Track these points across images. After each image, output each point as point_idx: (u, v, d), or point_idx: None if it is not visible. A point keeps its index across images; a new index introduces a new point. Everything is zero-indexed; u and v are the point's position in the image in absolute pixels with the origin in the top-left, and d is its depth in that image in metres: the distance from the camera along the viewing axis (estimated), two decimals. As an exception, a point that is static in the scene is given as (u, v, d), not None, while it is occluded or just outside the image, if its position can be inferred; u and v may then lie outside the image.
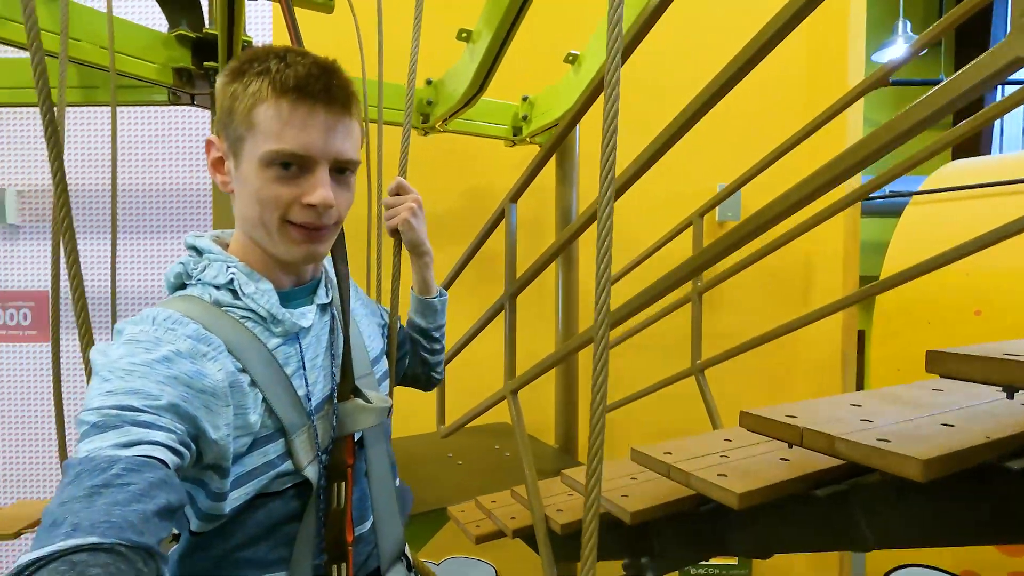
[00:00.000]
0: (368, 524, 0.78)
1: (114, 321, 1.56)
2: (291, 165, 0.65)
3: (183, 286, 0.70)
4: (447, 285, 1.94)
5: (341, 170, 0.69)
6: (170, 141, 2.97)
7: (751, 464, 0.97)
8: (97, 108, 2.84)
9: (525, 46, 2.24)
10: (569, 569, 2.13)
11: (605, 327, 0.56)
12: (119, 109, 2.06)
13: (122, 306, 3.00)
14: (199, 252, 0.71)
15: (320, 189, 0.65)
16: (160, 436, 0.51)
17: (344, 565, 0.71)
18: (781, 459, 0.98)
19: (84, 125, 2.88)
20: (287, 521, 0.67)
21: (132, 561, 0.41)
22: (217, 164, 0.71)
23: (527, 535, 1.58)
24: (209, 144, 0.71)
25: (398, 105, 2.06)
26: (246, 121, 0.65)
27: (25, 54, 1.76)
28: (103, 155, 2.93)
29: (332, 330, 0.77)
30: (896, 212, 2.73)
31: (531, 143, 2.52)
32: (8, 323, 3.11)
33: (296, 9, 2.85)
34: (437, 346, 1.07)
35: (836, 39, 2.82)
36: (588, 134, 2.67)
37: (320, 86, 0.64)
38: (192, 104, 1.92)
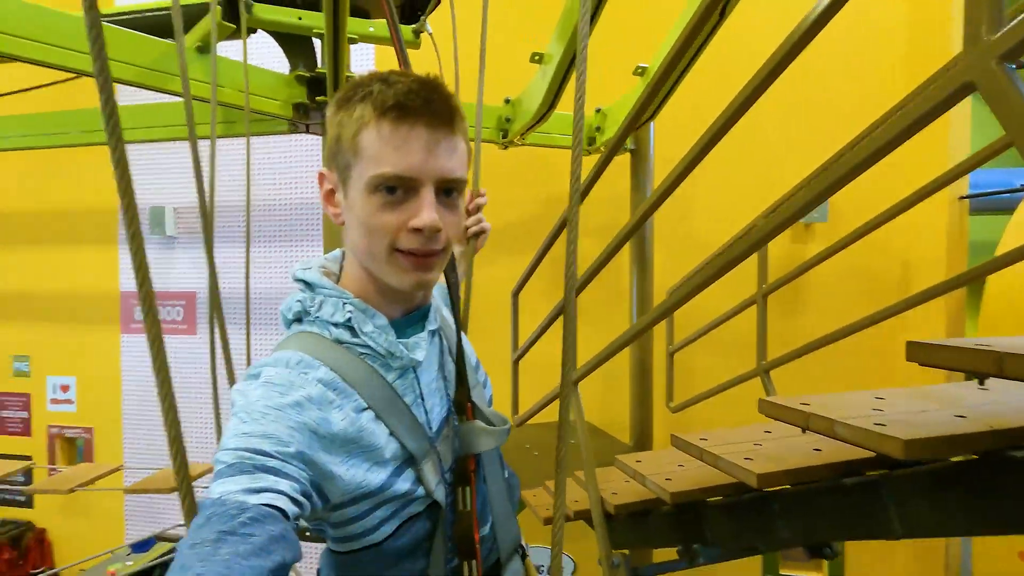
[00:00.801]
0: (488, 526, 0.80)
1: (249, 317, 1.89)
2: (396, 189, 0.63)
3: (300, 321, 0.71)
4: (518, 289, 2.11)
5: (448, 191, 0.66)
6: (291, 163, 3.43)
7: (781, 452, 1.02)
8: (234, 138, 3.35)
9: (598, 60, 2.36)
10: (635, 556, 2.20)
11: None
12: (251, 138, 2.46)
13: (255, 304, 3.50)
14: (309, 286, 0.71)
15: (425, 212, 0.63)
16: (285, 485, 0.54)
17: (474, 562, 0.74)
18: (814, 449, 1.01)
19: (224, 152, 3.41)
20: (424, 539, 0.70)
21: None
22: (329, 196, 0.70)
23: (587, 517, 1.70)
24: (321, 177, 0.71)
25: (484, 123, 2.27)
26: (352, 148, 0.64)
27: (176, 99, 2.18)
28: (239, 176, 3.44)
29: (441, 351, 0.78)
30: (1009, 209, 2.51)
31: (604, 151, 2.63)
32: (165, 318, 3.73)
33: (382, 48, 3.17)
34: None
35: (939, 13, 2.62)
36: (663, 139, 2.73)
37: (420, 101, 0.62)
38: (308, 132, 2.26)
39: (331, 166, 0.69)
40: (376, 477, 0.65)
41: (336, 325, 0.68)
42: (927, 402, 0.91)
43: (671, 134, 2.47)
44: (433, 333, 0.77)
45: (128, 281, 3.77)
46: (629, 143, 2.75)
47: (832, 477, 1.02)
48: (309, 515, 0.60)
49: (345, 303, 0.68)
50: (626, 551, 1.80)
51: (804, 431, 0.91)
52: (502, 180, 2.82)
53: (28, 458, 3.50)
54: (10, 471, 2.91)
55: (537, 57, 2.06)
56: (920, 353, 0.69)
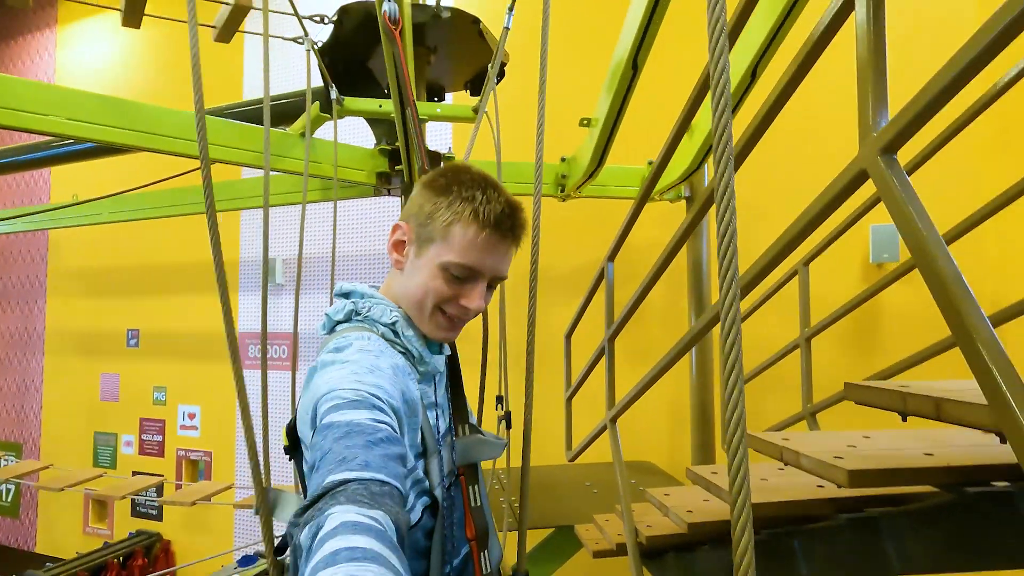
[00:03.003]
0: (467, 548, 0.84)
1: None
2: (462, 274, 0.79)
3: (348, 321, 0.82)
4: (570, 331, 2.27)
5: (491, 284, 0.83)
6: (373, 221, 3.88)
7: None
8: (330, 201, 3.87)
9: (651, 115, 2.54)
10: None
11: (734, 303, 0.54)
12: (339, 202, 2.88)
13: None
14: (360, 295, 0.84)
15: (478, 299, 0.80)
16: (395, 427, 0.62)
17: (486, 552, 0.82)
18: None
19: (322, 213, 3.93)
20: (424, 538, 0.75)
21: (400, 502, 0.49)
22: (398, 246, 0.84)
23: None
24: (397, 228, 0.85)
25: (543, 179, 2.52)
26: (442, 231, 0.79)
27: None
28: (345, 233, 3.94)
29: (450, 376, 0.91)
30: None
31: (660, 200, 2.77)
32: (273, 356, 4.25)
33: (449, 124, 3.54)
34: None
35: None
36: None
37: (509, 225, 0.80)
38: (388, 195, 2.61)
39: (411, 224, 0.83)
40: (411, 455, 0.73)
41: (383, 325, 0.80)
42: (918, 442, 0.97)
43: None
44: (447, 359, 0.91)
45: (244, 323, 4.36)
46: (684, 191, 2.87)
47: (944, 483, 0.88)
48: None
49: (392, 309, 0.82)
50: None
51: (783, 467, 1.00)
52: (562, 230, 3.03)
53: (161, 476, 4.07)
54: (146, 485, 3.43)
55: (586, 121, 2.28)
56: (854, 393, 0.79)
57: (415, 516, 0.74)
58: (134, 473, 4.41)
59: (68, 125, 1.76)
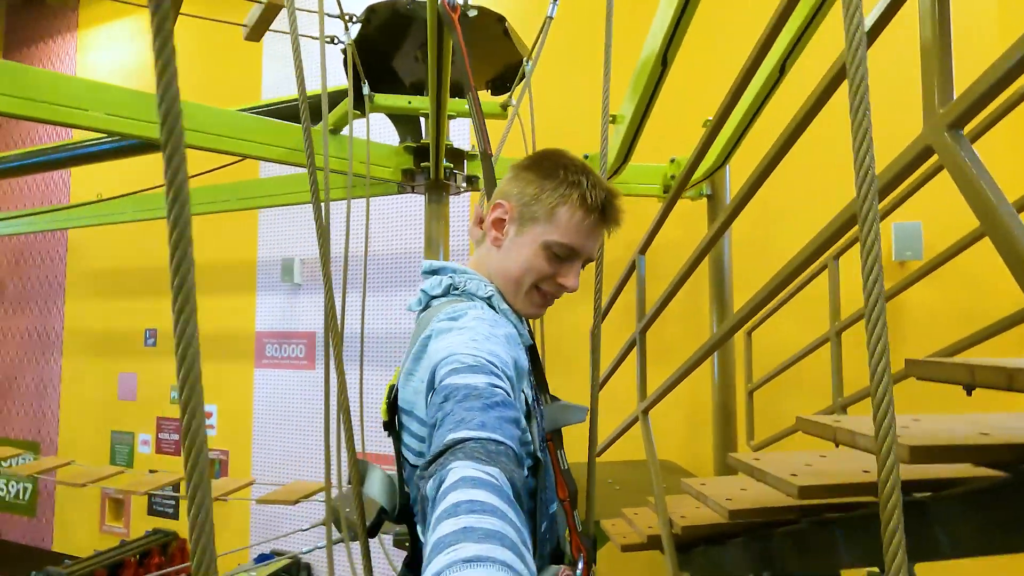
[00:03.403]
0: (554, 507, 0.89)
1: (363, 355, 2.22)
2: (563, 254, 0.83)
3: (445, 296, 0.84)
4: (594, 328, 2.28)
5: (585, 263, 0.88)
6: (396, 220, 3.90)
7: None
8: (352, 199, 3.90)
9: (672, 113, 2.56)
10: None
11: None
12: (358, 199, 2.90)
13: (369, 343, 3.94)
14: (451, 271, 0.86)
15: (573, 278, 0.85)
16: (510, 392, 0.63)
17: (576, 511, 0.88)
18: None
19: (338, 212, 3.95)
20: (528, 496, 0.77)
21: (516, 460, 0.51)
22: (498, 223, 0.87)
23: (660, 545, 1.78)
24: (498, 206, 0.87)
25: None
26: (548, 213, 0.83)
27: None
28: (356, 232, 3.96)
29: (530, 349, 0.91)
30: None
31: (682, 197, 2.78)
32: (290, 355, 4.27)
33: (467, 122, 3.56)
34: None
35: None
36: (740, 183, 2.83)
37: (613, 211, 0.85)
38: (412, 192, 2.63)
39: (512, 204, 0.86)
40: (522, 417, 0.79)
41: (480, 299, 0.83)
42: (968, 425, 0.97)
43: (747, 176, 2.58)
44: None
45: (261, 322, 4.39)
46: (705, 188, 2.88)
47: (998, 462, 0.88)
48: None
49: (487, 284, 0.85)
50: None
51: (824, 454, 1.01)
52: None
53: (179, 475, 4.08)
54: (163, 483, 3.45)
55: (611, 118, 2.30)
56: (916, 369, 0.79)
57: (523, 472, 0.75)
58: (151, 472, 4.43)
59: (113, 121, 1.79)
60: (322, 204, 1.06)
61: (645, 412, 1.72)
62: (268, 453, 4.27)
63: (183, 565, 4.34)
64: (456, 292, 0.84)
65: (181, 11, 2.16)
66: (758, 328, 2.52)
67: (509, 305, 0.86)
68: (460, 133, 3.63)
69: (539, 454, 0.80)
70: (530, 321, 1.00)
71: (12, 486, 5.25)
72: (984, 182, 0.66)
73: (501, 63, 2.67)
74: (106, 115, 1.84)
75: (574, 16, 3.08)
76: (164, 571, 4.14)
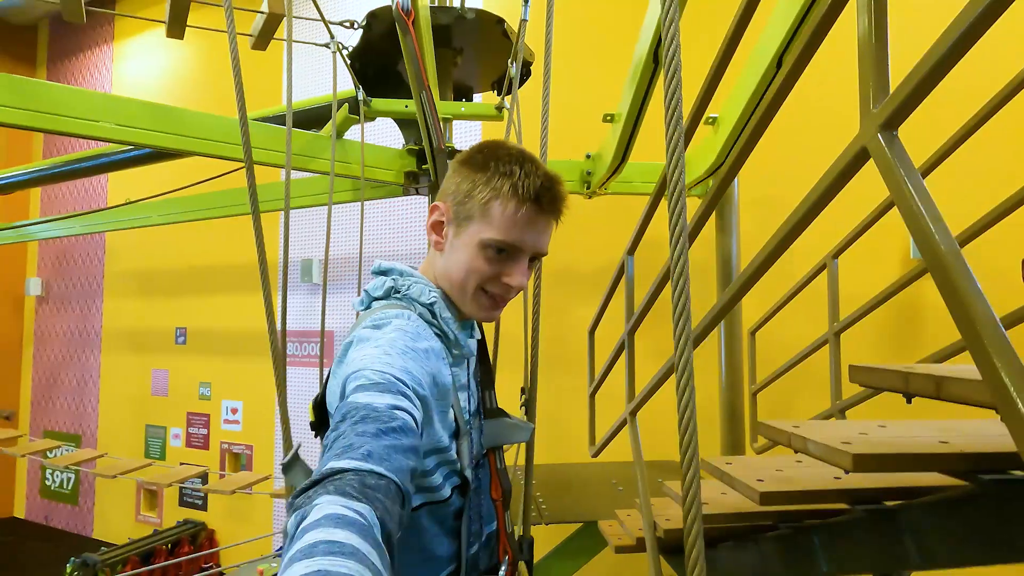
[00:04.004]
0: (494, 525, 0.87)
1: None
2: (503, 251, 0.78)
3: (386, 298, 0.81)
4: (593, 327, 2.27)
5: (534, 259, 0.83)
6: (402, 221, 3.96)
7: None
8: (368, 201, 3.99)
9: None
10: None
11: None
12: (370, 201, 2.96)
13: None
14: (399, 273, 0.84)
15: (519, 276, 0.80)
16: (416, 414, 0.60)
17: (508, 513, 0.86)
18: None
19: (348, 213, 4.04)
20: (454, 516, 0.77)
21: (398, 497, 0.48)
22: (437, 226, 0.83)
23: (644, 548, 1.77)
24: (434, 208, 0.83)
25: (568, 176, 2.54)
26: (481, 209, 0.78)
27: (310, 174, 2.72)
28: (367, 233, 4.05)
29: (479, 359, 0.90)
30: None
31: (690, 196, 2.74)
32: (310, 353, 4.39)
33: (478, 121, 3.60)
34: None
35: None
36: (748, 183, 2.77)
37: (549, 199, 0.79)
38: (416, 194, 2.67)
39: (448, 204, 0.82)
40: (445, 436, 0.74)
41: (422, 305, 0.79)
42: (934, 432, 0.94)
43: (754, 176, 2.53)
44: (477, 342, 0.90)
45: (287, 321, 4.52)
46: (711, 184, 2.83)
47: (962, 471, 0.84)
48: None
49: (431, 290, 0.81)
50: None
51: (800, 459, 0.99)
52: (588, 228, 3.03)
53: (205, 467, 4.25)
54: (192, 474, 3.60)
55: (609, 117, 2.29)
56: (858, 375, 0.77)
57: (443, 494, 0.75)
58: (181, 464, 4.62)
59: (123, 131, 1.88)
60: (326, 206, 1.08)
61: (632, 414, 1.71)
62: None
63: (211, 551, 4.52)
64: (397, 296, 0.81)
65: (190, 23, 2.25)
66: (761, 328, 2.47)
67: (457, 310, 0.83)
68: (468, 135, 3.66)
69: (467, 472, 0.77)
70: (482, 325, 0.98)
71: (57, 476, 5.55)
72: (912, 184, 0.64)
73: (504, 64, 2.68)
74: (117, 126, 1.94)
75: (573, 17, 3.07)
76: (192, 556, 4.32)
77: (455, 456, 0.77)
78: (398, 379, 0.62)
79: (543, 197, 0.78)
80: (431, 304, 0.79)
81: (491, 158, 0.79)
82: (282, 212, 4.57)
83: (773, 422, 1.00)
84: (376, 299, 0.82)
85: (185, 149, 2.13)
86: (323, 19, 1.93)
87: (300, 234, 4.44)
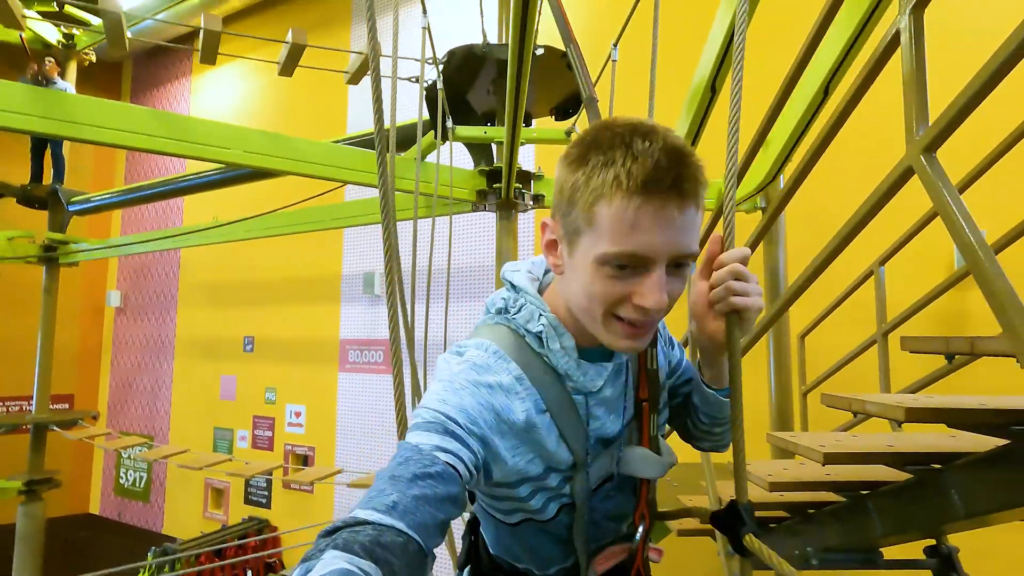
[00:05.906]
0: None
1: (426, 357, 2.52)
2: (627, 266, 0.60)
3: (501, 314, 0.74)
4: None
5: (679, 264, 0.62)
6: (472, 234, 4.25)
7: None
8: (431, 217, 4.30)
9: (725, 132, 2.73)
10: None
11: None
12: (443, 217, 3.24)
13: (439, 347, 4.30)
14: (514, 288, 0.74)
15: (654, 293, 0.60)
16: (466, 455, 0.59)
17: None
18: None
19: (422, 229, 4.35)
20: (565, 529, 0.76)
21: (418, 556, 0.49)
22: (551, 246, 0.69)
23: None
24: (544, 226, 0.70)
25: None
26: (586, 216, 0.61)
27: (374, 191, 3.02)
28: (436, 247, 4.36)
29: (626, 382, 0.76)
30: None
31: (737, 211, 2.94)
32: (371, 360, 4.68)
33: (541, 145, 3.86)
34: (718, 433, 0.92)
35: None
36: (794, 197, 2.95)
37: (670, 180, 0.57)
38: (485, 210, 2.95)
39: (557, 219, 0.66)
40: (536, 468, 0.70)
41: (529, 333, 0.70)
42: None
43: (799, 191, 2.71)
44: (620, 367, 0.75)
45: (345, 331, 4.83)
46: (759, 201, 3.03)
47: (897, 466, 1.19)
48: (475, 485, 0.66)
49: (541, 315, 0.70)
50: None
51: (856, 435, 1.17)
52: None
53: (281, 463, 4.56)
54: (259, 471, 3.89)
55: (665, 140, 2.53)
56: (908, 344, 0.97)
57: (548, 514, 0.74)
58: (246, 463, 4.94)
59: (248, 156, 2.21)
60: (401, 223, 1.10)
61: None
62: (349, 450, 4.68)
63: (275, 551, 4.80)
64: (508, 316, 0.72)
65: (221, 51, 2.57)
66: (810, 333, 2.63)
67: (565, 344, 0.70)
68: (526, 157, 3.94)
69: (578, 500, 0.73)
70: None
71: (130, 475, 5.95)
72: (950, 198, 0.85)
73: (562, 92, 2.95)
74: (245, 152, 2.26)
75: (637, 46, 3.32)
76: (260, 554, 4.60)
77: (555, 484, 0.72)
78: (451, 418, 0.60)
79: (663, 179, 0.57)
80: (538, 333, 0.70)
81: (591, 147, 0.61)
82: (344, 230, 4.87)
83: (779, 433, 1.19)
84: (491, 313, 0.75)
85: (293, 171, 2.46)
86: (423, 59, 2.22)
87: (362, 249, 4.79)
